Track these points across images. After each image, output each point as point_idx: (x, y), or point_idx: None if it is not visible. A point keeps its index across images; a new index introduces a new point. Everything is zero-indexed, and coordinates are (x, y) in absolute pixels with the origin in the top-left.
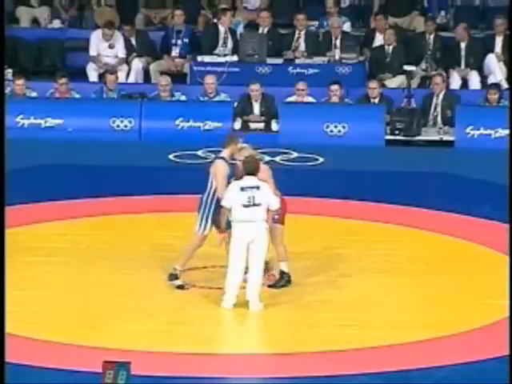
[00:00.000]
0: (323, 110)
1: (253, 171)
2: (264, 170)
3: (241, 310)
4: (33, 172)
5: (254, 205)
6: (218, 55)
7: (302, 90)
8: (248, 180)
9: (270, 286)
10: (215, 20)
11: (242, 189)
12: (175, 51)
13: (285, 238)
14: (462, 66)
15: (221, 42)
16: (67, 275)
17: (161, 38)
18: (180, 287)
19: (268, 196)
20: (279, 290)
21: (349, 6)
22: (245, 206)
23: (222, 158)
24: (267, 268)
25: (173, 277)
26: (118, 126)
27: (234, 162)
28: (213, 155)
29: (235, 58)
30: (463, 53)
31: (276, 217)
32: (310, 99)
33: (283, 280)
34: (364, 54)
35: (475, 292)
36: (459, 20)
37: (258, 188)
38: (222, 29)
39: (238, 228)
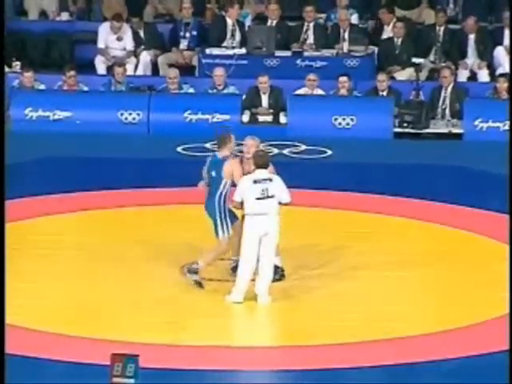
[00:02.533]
0: (331, 103)
1: (264, 164)
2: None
3: (249, 303)
4: (41, 165)
5: (268, 197)
6: (227, 48)
7: (314, 80)
8: (260, 173)
9: None
10: (223, 12)
11: (255, 181)
12: (183, 44)
13: (293, 231)
14: (470, 59)
15: (229, 34)
16: (75, 268)
17: (169, 30)
18: (197, 283)
19: (280, 189)
20: (286, 284)
21: None
22: (258, 199)
23: (227, 156)
24: None
25: (192, 270)
26: (126, 119)
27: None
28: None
29: (243, 50)
30: (472, 45)
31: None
32: (320, 91)
33: (277, 274)
34: (372, 45)
35: (484, 285)
36: (468, 12)
37: (270, 180)
38: (229, 21)
39: (252, 221)
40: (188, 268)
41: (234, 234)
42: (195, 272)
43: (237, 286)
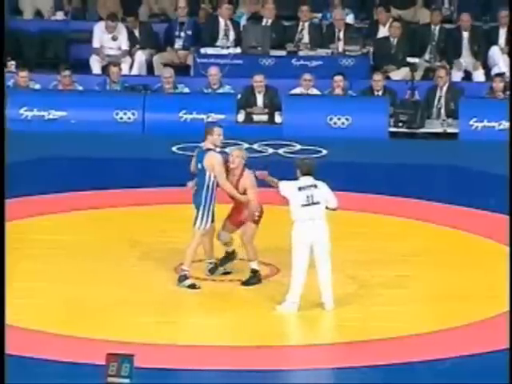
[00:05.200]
0: (327, 102)
1: (309, 171)
2: (247, 176)
3: (246, 304)
4: (36, 164)
5: (313, 203)
6: (222, 47)
7: (309, 80)
8: (304, 180)
9: (242, 284)
10: (216, 12)
11: (300, 188)
12: (178, 43)
13: (290, 231)
14: (465, 58)
15: (221, 33)
16: (71, 268)
17: (164, 30)
18: (191, 286)
19: (326, 194)
20: (284, 284)
21: None
22: (303, 206)
23: (210, 149)
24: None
25: (182, 278)
26: (121, 118)
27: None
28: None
29: (238, 50)
30: (466, 44)
31: (256, 217)
32: (315, 91)
33: (255, 278)
34: (367, 45)
35: (479, 285)
36: (463, 12)
37: (315, 186)
38: (221, 20)
39: (299, 227)
40: (178, 278)
41: (205, 235)
42: (185, 278)
43: (290, 295)
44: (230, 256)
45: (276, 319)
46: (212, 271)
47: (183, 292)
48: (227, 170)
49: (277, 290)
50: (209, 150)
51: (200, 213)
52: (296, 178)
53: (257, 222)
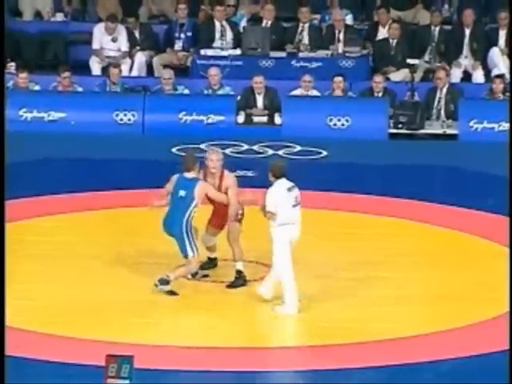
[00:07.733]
0: (326, 103)
1: (284, 173)
2: (228, 176)
3: (243, 304)
4: (36, 165)
5: (299, 204)
6: (220, 48)
7: (309, 81)
8: (284, 182)
9: (228, 287)
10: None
11: (289, 189)
12: (178, 44)
13: None
14: (466, 57)
15: (217, 34)
16: (69, 269)
17: (164, 31)
18: (170, 292)
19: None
20: (278, 285)
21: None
22: (293, 206)
23: (197, 177)
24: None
25: (164, 282)
26: (121, 120)
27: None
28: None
29: (238, 51)
30: (467, 43)
31: (239, 216)
32: (315, 92)
33: (240, 280)
34: (367, 47)
35: (479, 286)
36: (463, 13)
37: (296, 187)
38: (217, 22)
39: (285, 230)
40: (159, 280)
41: None
42: (166, 283)
43: (287, 298)
44: (211, 262)
45: (270, 320)
46: (194, 275)
47: (182, 292)
48: (206, 174)
49: (276, 291)
50: (196, 178)
51: (187, 243)
52: (270, 182)
53: (240, 221)
